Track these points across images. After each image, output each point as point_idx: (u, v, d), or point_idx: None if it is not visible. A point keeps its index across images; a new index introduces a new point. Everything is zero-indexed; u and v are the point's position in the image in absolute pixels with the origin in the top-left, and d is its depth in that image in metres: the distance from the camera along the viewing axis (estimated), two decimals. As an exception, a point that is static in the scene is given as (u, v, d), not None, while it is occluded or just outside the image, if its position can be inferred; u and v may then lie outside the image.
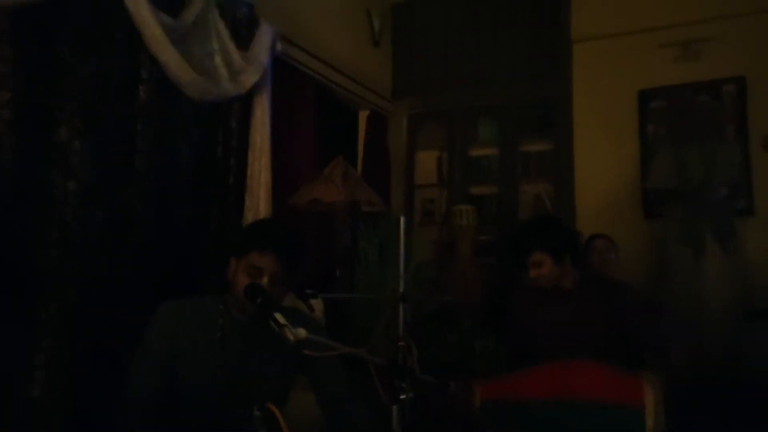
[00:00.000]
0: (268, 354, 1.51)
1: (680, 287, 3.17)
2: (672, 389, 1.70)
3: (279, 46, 3.05)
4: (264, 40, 2.94)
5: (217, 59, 2.70)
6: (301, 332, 1.26)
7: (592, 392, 1.67)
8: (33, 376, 1.95)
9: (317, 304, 2.41)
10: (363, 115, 4.24)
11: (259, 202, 2.89)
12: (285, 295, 1.44)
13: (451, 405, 1.88)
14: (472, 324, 2.85)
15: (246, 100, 2.96)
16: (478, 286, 3.38)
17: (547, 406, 1.70)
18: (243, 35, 2.90)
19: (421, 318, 2.87)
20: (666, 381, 1.72)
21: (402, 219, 2.23)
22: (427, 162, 4.40)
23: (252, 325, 1.49)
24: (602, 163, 3.79)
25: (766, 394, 2.39)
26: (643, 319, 2.13)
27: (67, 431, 2.00)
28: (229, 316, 1.49)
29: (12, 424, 1.90)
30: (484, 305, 2.38)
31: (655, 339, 2.13)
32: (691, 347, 2.82)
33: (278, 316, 1.28)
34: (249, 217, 2.85)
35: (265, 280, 1.39)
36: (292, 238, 1.47)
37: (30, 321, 1.97)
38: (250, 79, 2.86)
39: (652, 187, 3.50)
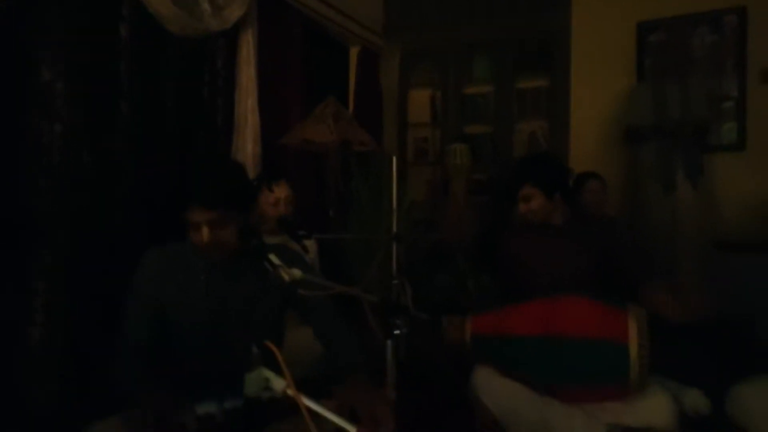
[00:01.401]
0: (253, 294, 1.52)
1: (653, 220, 3.24)
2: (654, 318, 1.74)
3: (264, -22, 2.92)
4: (248, -30, 2.82)
5: (199, -9, 2.58)
6: (296, 272, 1.27)
7: (578, 328, 1.71)
8: (33, 320, 1.98)
9: (311, 244, 2.42)
10: (354, 52, 4.12)
11: (247, 144, 2.85)
12: (237, 235, 1.41)
13: (443, 340, 1.93)
14: (465, 262, 2.88)
15: (231, 37, 2.86)
16: (471, 225, 3.39)
17: (535, 342, 1.74)
18: (226, -34, 2.77)
19: (415, 257, 2.90)
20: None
21: (394, 159, 2.21)
22: (420, 100, 4.32)
23: (235, 266, 1.49)
24: (599, 98, 3.74)
25: (735, 325, 2.46)
26: (628, 250, 2.16)
27: (67, 372, 2.05)
28: (211, 259, 1.48)
29: (15, 367, 1.94)
30: (477, 243, 2.40)
31: (636, 271, 2.17)
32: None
33: (272, 257, 1.29)
34: (238, 159, 2.82)
35: (205, 231, 1.37)
36: (215, 181, 1.39)
37: (24, 266, 1.98)
38: (234, 13, 2.75)
39: (632, 124, 3.48)
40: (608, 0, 3.71)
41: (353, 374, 1.38)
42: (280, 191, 2.43)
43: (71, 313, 2.06)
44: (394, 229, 2.25)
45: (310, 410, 0.93)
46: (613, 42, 3.73)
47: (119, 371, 1.45)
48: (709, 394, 1.87)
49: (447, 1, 4.09)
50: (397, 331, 1.47)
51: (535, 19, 3.90)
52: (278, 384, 0.96)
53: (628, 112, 3.53)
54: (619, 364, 1.66)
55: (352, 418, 1.05)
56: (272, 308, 1.56)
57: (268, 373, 0.97)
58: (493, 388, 1.81)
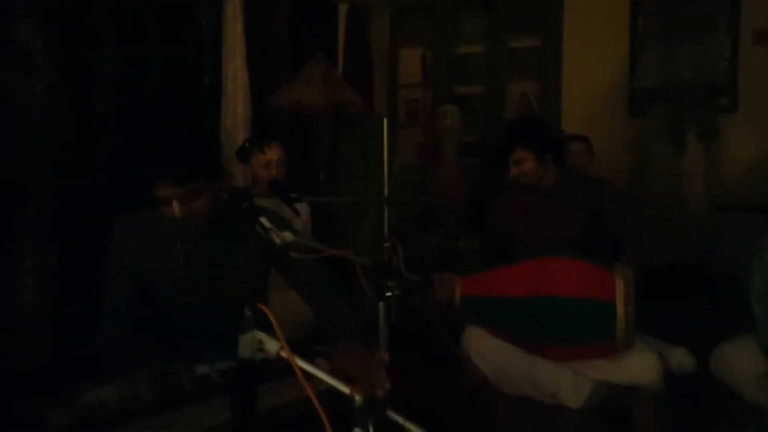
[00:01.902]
0: (232, 258, 1.50)
1: (659, 184, 3.24)
2: (645, 279, 1.76)
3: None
4: None
5: (182, -54, 2.49)
6: (288, 235, 1.26)
7: (566, 288, 1.73)
8: (24, 281, 1.98)
9: (303, 207, 2.41)
10: (343, 9, 4.01)
11: (237, 104, 2.79)
12: (211, 204, 1.39)
13: (433, 300, 1.95)
14: (455, 225, 2.89)
15: (216, -6, 2.77)
16: (461, 187, 3.39)
17: (525, 303, 1.77)
18: None
19: (405, 219, 2.90)
20: (638, 272, 1.78)
21: (385, 120, 2.19)
22: (411, 60, 4.24)
23: (211, 232, 1.46)
24: (591, 59, 3.69)
25: (733, 283, 2.50)
26: (621, 214, 2.17)
27: (60, 332, 2.05)
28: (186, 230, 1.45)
29: (9, 328, 1.94)
30: (468, 205, 2.40)
31: (630, 232, 2.19)
32: (666, 240, 2.94)
33: (263, 220, 1.27)
34: (227, 120, 2.77)
35: (175, 206, 1.33)
36: (180, 156, 1.34)
37: (11, 228, 1.96)
38: (219, -32, 2.66)
39: (639, 87, 3.45)
40: (602, -43, 3.63)
41: (345, 338, 1.38)
42: (272, 153, 2.40)
43: (60, 273, 2.06)
44: (385, 192, 2.24)
45: (303, 371, 0.93)
46: (606, 1, 3.66)
47: (107, 336, 1.45)
48: (695, 353, 1.91)
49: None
50: (389, 293, 1.48)
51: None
52: (271, 345, 0.96)
53: (634, 75, 3.48)
54: (606, 322, 1.69)
55: (347, 381, 1.06)
56: (253, 271, 1.54)
57: (261, 335, 0.97)
58: (483, 347, 1.84)
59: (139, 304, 1.47)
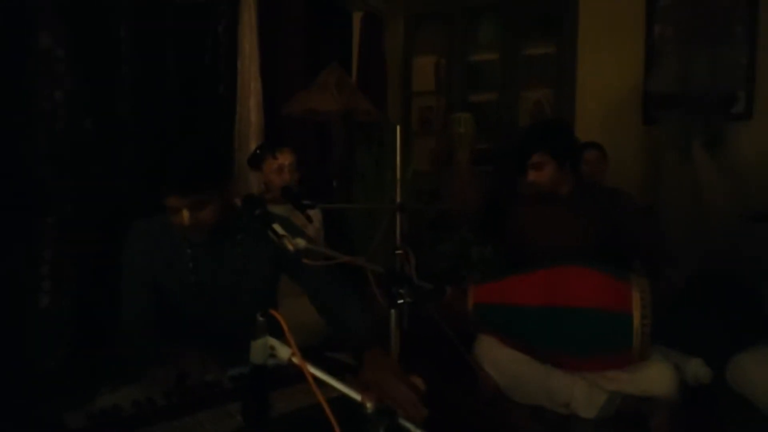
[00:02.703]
0: (241, 265, 1.51)
1: (676, 193, 3.20)
2: (670, 293, 1.74)
3: (265, -60, 2.85)
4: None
5: (200, -45, 2.53)
6: (301, 242, 1.26)
7: (582, 299, 1.72)
8: (41, 287, 2.00)
9: (315, 214, 2.42)
10: (357, 17, 4.03)
11: (250, 112, 2.82)
12: (219, 212, 1.41)
13: (446, 308, 1.95)
14: (469, 232, 2.88)
15: (232, 2, 2.80)
16: (475, 194, 3.38)
17: (540, 312, 1.75)
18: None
19: (419, 227, 2.90)
20: (658, 285, 1.76)
21: (399, 128, 2.19)
22: (425, 68, 4.25)
23: (221, 239, 1.48)
24: (606, 66, 3.67)
25: (739, 293, 2.46)
26: (639, 225, 2.15)
27: (76, 338, 2.08)
28: (194, 239, 1.47)
29: (26, 333, 1.97)
30: (482, 213, 2.39)
31: (651, 245, 2.16)
32: (692, 254, 2.89)
33: (276, 226, 1.28)
34: (241, 128, 2.80)
35: (185, 215, 1.35)
36: (190, 167, 1.35)
37: (31, 234, 1.99)
38: (235, -24, 2.70)
39: (653, 91, 3.42)
40: (618, -36, 3.61)
41: (367, 347, 1.36)
42: (284, 158, 2.42)
43: (78, 279, 2.08)
44: (398, 199, 2.24)
45: (315, 377, 0.93)
46: (621, 7, 3.64)
47: (124, 341, 1.47)
48: (710, 363, 1.88)
49: (452, -36, 3.99)
50: (400, 301, 1.48)
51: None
52: (283, 352, 0.97)
53: (647, 80, 3.46)
54: (622, 334, 1.67)
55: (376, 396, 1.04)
56: (263, 278, 1.55)
57: (273, 341, 0.98)
58: (496, 356, 1.83)
59: (153, 308, 1.49)
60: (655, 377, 1.73)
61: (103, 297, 2.08)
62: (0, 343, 1.88)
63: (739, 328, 2.07)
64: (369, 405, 0.90)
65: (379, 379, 1.21)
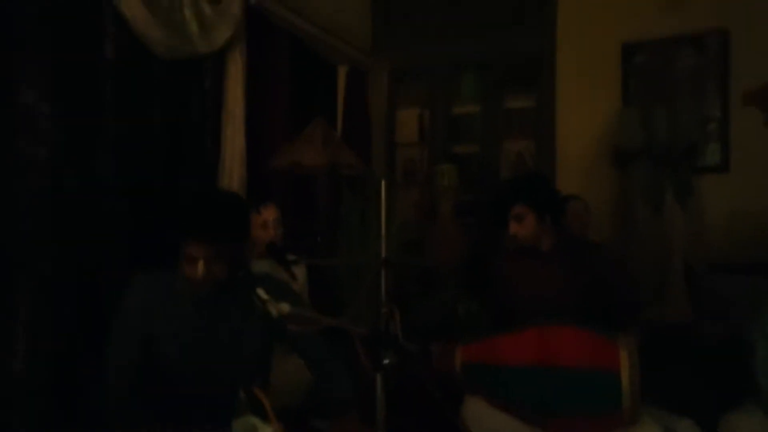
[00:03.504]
0: (241, 327, 1.50)
1: (643, 241, 3.26)
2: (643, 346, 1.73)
3: (252, -2, 2.91)
4: (236, -10, 2.80)
5: (187, 13, 2.57)
6: (285, 307, 1.25)
7: (570, 358, 1.70)
8: (13, 350, 1.93)
9: (300, 270, 2.39)
10: (342, 71, 4.12)
11: (233, 166, 2.82)
12: (228, 269, 1.40)
13: (432, 368, 1.91)
14: (454, 287, 2.86)
15: (219, 57, 2.84)
16: (459, 246, 3.39)
17: (527, 372, 1.73)
18: (213, -14, 2.76)
19: (405, 279, 2.88)
20: (639, 339, 1.75)
21: (383, 183, 2.20)
22: (408, 120, 4.33)
23: (223, 298, 1.47)
24: (585, 119, 3.77)
25: (727, 348, 2.46)
26: (619, 278, 2.16)
27: (50, 403, 1.99)
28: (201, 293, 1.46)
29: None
30: (465, 267, 2.38)
31: (630, 297, 2.17)
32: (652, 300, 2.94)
33: (260, 291, 1.27)
34: (224, 182, 2.79)
35: (200, 265, 1.35)
36: (216, 217, 1.39)
37: (6, 292, 1.93)
38: (222, 35, 2.73)
39: (619, 145, 3.53)
40: (593, 21, 3.75)
41: (344, 410, 1.35)
42: (268, 213, 2.41)
43: (54, 339, 2.01)
44: (383, 253, 2.23)
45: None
46: (597, 63, 3.77)
47: (108, 397, 1.43)
48: (701, 423, 1.86)
49: (434, 20, 4.11)
50: (386, 361, 1.45)
51: (522, 39, 3.93)
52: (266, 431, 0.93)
53: (616, 134, 3.57)
54: (612, 393, 1.65)
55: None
56: (260, 340, 1.53)
57: (255, 420, 0.95)
58: (484, 420, 1.79)
59: (140, 366, 1.45)
60: (645, 440, 1.70)
61: (80, 360, 2.01)
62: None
63: (727, 385, 2.06)
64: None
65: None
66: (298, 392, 1.91)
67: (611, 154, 3.63)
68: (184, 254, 1.38)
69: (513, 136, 4.05)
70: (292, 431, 0.94)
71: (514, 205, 2.04)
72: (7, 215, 1.95)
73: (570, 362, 1.69)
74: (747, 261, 3.06)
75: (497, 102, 4.08)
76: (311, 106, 3.58)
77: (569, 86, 3.83)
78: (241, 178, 2.80)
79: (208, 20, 2.65)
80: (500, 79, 4.09)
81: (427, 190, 3.88)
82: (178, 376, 1.45)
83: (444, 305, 2.75)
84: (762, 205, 3.26)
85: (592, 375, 1.68)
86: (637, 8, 3.63)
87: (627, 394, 1.64)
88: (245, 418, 0.95)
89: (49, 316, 2.00)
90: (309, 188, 3.30)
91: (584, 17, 3.77)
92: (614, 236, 3.46)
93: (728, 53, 3.49)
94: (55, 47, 2.08)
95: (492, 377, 1.80)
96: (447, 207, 3.52)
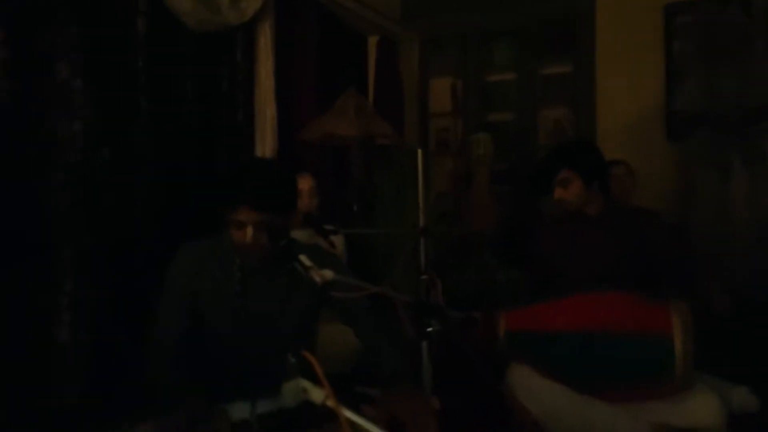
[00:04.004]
0: (287, 294, 1.49)
1: (706, 212, 3.11)
2: (703, 322, 1.66)
3: (281, -32, 2.85)
4: (265, -40, 2.75)
5: (217, -17, 2.53)
6: (328, 273, 1.22)
7: (620, 324, 1.65)
8: (60, 319, 1.97)
9: (338, 239, 2.38)
10: (372, 41, 4.04)
11: (265, 139, 2.80)
12: (270, 237, 1.39)
13: (476, 336, 1.88)
14: (492, 256, 2.81)
15: (249, 30, 2.81)
16: (495, 215, 3.33)
17: (576, 339, 1.68)
18: (243, -43, 2.71)
19: (440, 250, 2.84)
20: (694, 311, 1.68)
21: (420, 152, 2.15)
22: (441, 89, 4.23)
23: (270, 266, 1.45)
24: (625, 84, 3.61)
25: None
26: (672, 247, 2.07)
27: (95, 373, 2.03)
28: (249, 260, 1.45)
29: (43, 367, 1.93)
30: (504, 234, 2.33)
31: (684, 268, 2.09)
32: (723, 280, 2.78)
33: (303, 258, 1.24)
34: (257, 154, 2.78)
35: (249, 232, 1.34)
36: (267, 183, 1.38)
37: (49, 265, 1.96)
38: (252, 6, 2.69)
39: (678, 110, 3.36)
40: (633, -20, 3.59)
41: (395, 379, 1.33)
42: (304, 183, 2.40)
43: (97, 311, 2.05)
44: (421, 223, 2.19)
45: (350, 421, 0.87)
46: (639, 25, 3.60)
47: (152, 369, 1.43)
48: (757, 392, 1.79)
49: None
50: (430, 329, 1.43)
51: (558, 1, 3.78)
52: (317, 395, 0.91)
53: (669, 98, 3.40)
54: (664, 359, 1.60)
55: (393, 427, 0.99)
56: (306, 308, 1.53)
57: (306, 383, 0.92)
58: (531, 387, 1.74)
59: (188, 333, 1.46)
60: (700, 408, 1.64)
61: (122, 330, 2.04)
62: (18, 376, 1.84)
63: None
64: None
65: (395, 407, 1.20)
66: (344, 359, 1.90)
67: (663, 122, 3.47)
68: (232, 221, 1.37)
69: (550, 104, 3.92)
70: (340, 398, 0.91)
71: (560, 170, 1.98)
72: (47, 190, 1.97)
73: (620, 327, 1.64)
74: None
75: (533, 68, 3.95)
76: (341, 77, 3.53)
77: (609, 50, 3.67)
78: (272, 150, 2.78)
79: (238, -10, 2.61)
80: (535, 44, 3.95)
81: (461, 159, 3.80)
82: (224, 343, 1.46)
83: (481, 274, 2.70)
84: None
85: (643, 339, 1.63)
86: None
87: (680, 360, 1.58)
88: (295, 381, 0.93)
89: (91, 287, 2.03)
90: (342, 159, 3.27)
91: (624, -25, 3.61)
92: (669, 209, 3.29)
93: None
94: (87, 22, 2.08)
95: (538, 345, 1.76)
96: (482, 176, 3.46)
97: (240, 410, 1.35)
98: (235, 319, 1.44)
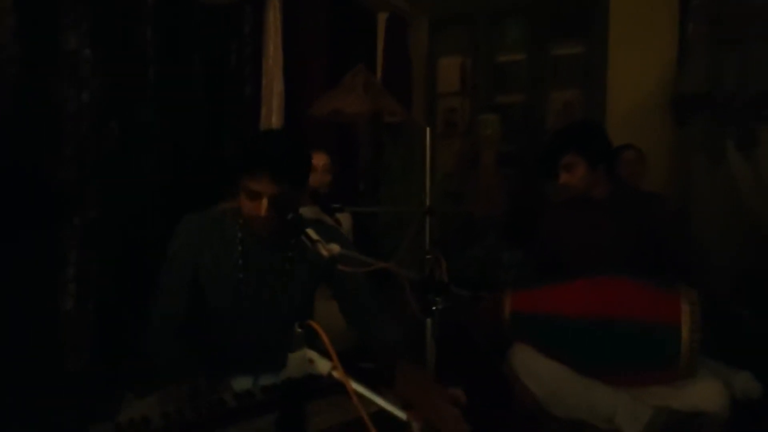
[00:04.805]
0: (288, 268, 1.48)
1: (708, 196, 3.10)
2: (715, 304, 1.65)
3: (291, -60, 2.81)
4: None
5: (226, -46, 2.50)
6: (335, 247, 1.22)
7: (628, 310, 1.63)
8: (65, 289, 1.98)
9: (345, 217, 2.37)
10: (381, 18, 3.98)
11: (272, 114, 2.79)
12: (277, 210, 1.37)
13: (480, 316, 1.88)
14: (497, 237, 2.81)
15: (258, 3, 2.77)
16: (501, 197, 3.32)
17: (582, 323, 1.67)
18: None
19: (446, 230, 2.84)
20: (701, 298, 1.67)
21: (428, 130, 2.14)
22: (449, 69, 4.18)
23: (271, 239, 1.45)
24: (637, 66, 3.55)
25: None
26: (677, 232, 2.05)
27: (99, 341, 2.05)
28: (249, 230, 1.44)
29: (49, 335, 1.95)
30: (510, 216, 2.32)
31: (689, 253, 2.07)
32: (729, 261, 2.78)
33: (310, 231, 1.24)
34: (263, 128, 2.77)
35: (264, 203, 1.32)
36: (287, 154, 1.35)
37: (56, 236, 1.97)
38: (261, -22, 2.67)
39: (683, 92, 3.31)
40: (649, -40, 3.51)
41: (394, 356, 1.32)
42: (318, 159, 2.40)
43: (103, 282, 2.06)
44: (427, 202, 2.18)
45: (357, 393, 0.88)
46: (653, 5, 3.54)
47: (153, 342, 1.43)
48: (760, 377, 1.79)
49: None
50: (434, 307, 1.43)
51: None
52: (323, 365, 0.91)
53: (678, 80, 3.35)
54: (669, 348, 1.59)
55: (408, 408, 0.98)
56: (305, 283, 1.52)
57: (312, 354, 0.92)
58: (535, 367, 1.75)
59: (190, 306, 1.45)
60: (703, 393, 1.63)
61: (127, 300, 2.06)
62: (24, 345, 1.86)
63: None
64: (415, 425, 0.84)
65: (419, 394, 1.17)
66: (344, 336, 1.91)
67: (669, 103, 3.43)
68: (247, 191, 1.34)
69: (560, 85, 3.87)
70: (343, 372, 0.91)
71: (564, 154, 1.95)
72: (53, 160, 1.97)
73: (628, 314, 1.63)
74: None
75: (543, 49, 3.89)
76: (350, 53, 3.49)
77: (622, 31, 3.61)
78: (279, 125, 2.77)
79: (247, -37, 2.58)
80: (547, 23, 3.88)
81: (468, 140, 3.78)
82: (225, 316, 1.45)
83: (488, 255, 2.70)
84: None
85: (651, 328, 1.61)
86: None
87: (686, 349, 1.57)
88: (301, 352, 0.93)
89: (96, 258, 2.04)
90: (349, 136, 3.25)
91: (639, -46, 3.53)
92: (669, 191, 3.28)
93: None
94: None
95: (543, 327, 1.75)
96: (489, 157, 3.44)
97: (243, 383, 1.36)
98: (236, 292, 1.44)
